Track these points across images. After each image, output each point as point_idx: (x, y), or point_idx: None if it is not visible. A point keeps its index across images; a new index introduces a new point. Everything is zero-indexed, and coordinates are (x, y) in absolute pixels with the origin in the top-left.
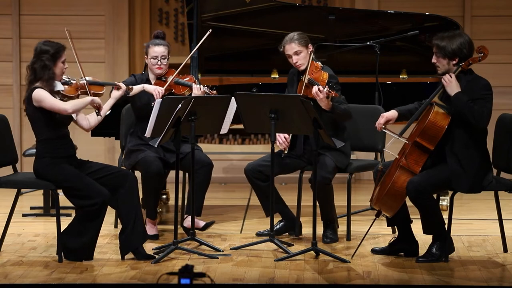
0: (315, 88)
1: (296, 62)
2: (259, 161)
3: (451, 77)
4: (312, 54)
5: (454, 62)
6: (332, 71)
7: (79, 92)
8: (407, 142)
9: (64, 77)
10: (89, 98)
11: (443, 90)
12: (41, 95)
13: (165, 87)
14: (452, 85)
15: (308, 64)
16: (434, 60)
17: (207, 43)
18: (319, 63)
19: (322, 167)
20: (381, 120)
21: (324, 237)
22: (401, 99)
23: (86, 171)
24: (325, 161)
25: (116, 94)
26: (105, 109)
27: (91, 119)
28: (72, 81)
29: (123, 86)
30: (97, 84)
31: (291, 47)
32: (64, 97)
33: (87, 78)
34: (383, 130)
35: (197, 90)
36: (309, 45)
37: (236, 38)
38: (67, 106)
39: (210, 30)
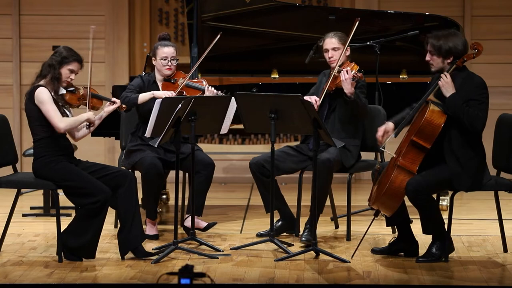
0: (343, 71)
1: (332, 57)
2: (265, 156)
3: (446, 77)
4: (349, 58)
5: (448, 60)
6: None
7: (80, 102)
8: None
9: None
10: (84, 116)
11: (438, 88)
12: (44, 97)
13: (177, 90)
14: (448, 86)
15: (341, 61)
16: (428, 58)
17: (208, 43)
18: (353, 63)
19: (328, 152)
20: (379, 132)
21: (303, 236)
22: (401, 99)
23: (86, 171)
24: (333, 150)
25: (109, 109)
26: (96, 123)
27: (81, 131)
28: (75, 90)
29: (118, 103)
30: (98, 98)
31: (331, 42)
32: (65, 103)
33: (92, 93)
34: (381, 148)
35: (211, 93)
36: (348, 47)
37: (236, 38)
38: (62, 124)
39: (220, 33)
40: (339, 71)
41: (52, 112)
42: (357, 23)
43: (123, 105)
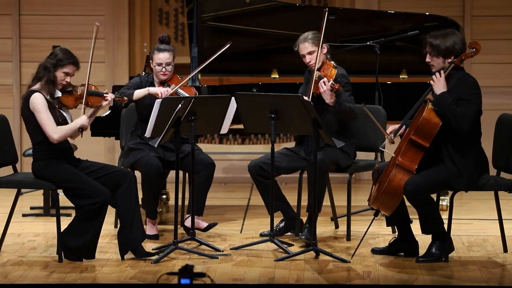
0: (320, 82)
1: (310, 61)
2: (262, 159)
3: (440, 75)
4: (328, 54)
5: (449, 60)
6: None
7: (77, 103)
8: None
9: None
10: (78, 123)
11: None
12: (38, 106)
13: (171, 91)
14: (439, 84)
15: (320, 62)
16: (428, 59)
17: (208, 43)
18: (333, 62)
19: (323, 153)
20: (389, 129)
21: (302, 234)
22: (401, 99)
23: (86, 170)
24: (328, 150)
25: (102, 104)
26: (90, 116)
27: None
28: (73, 91)
29: (109, 98)
30: (96, 95)
31: (304, 47)
32: (62, 106)
33: (89, 90)
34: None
35: None
36: (324, 45)
37: (236, 38)
38: (55, 136)
39: (230, 43)
40: (319, 77)
41: (46, 121)
42: (326, 14)
43: (125, 98)
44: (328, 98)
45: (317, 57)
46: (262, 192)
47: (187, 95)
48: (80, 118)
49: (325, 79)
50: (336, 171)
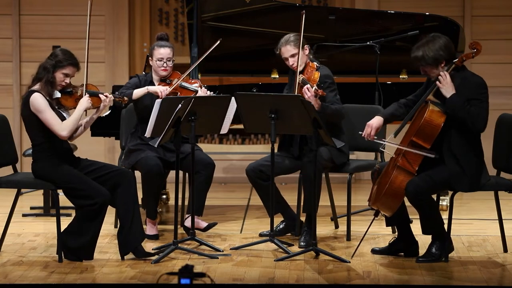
0: (304, 88)
1: (293, 64)
2: (260, 161)
3: (446, 76)
4: (310, 54)
5: (442, 65)
6: (330, 70)
7: (77, 103)
8: (399, 147)
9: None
10: (81, 109)
11: (437, 87)
12: (40, 106)
13: (171, 89)
14: (447, 86)
15: (302, 64)
16: (422, 72)
17: (208, 43)
18: (315, 63)
19: (317, 155)
20: (372, 131)
21: (301, 240)
22: (401, 99)
23: (85, 169)
24: (322, 149)
25: (104, 103)
26: (91, 116)
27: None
28: (73, 91)
29: (106, 96)
30: (97, 95)
31: (286, 50)
32: (61, 106)
33: (89, 90)
34: (375, 140)
35: (204, 94)
36: (305, 46)
37: (236, 38)
38: (64, 132)
39: (220, 40)
40: (303, 81)
41: (52, 120)
42: (303, 16)
43: (125, 98)
44: (313, 104)
45: (299, 60)
46: (262, 195)
47: (193, 87)
48: (80, 103)
49: (308, 85)
50: (334, 170)
